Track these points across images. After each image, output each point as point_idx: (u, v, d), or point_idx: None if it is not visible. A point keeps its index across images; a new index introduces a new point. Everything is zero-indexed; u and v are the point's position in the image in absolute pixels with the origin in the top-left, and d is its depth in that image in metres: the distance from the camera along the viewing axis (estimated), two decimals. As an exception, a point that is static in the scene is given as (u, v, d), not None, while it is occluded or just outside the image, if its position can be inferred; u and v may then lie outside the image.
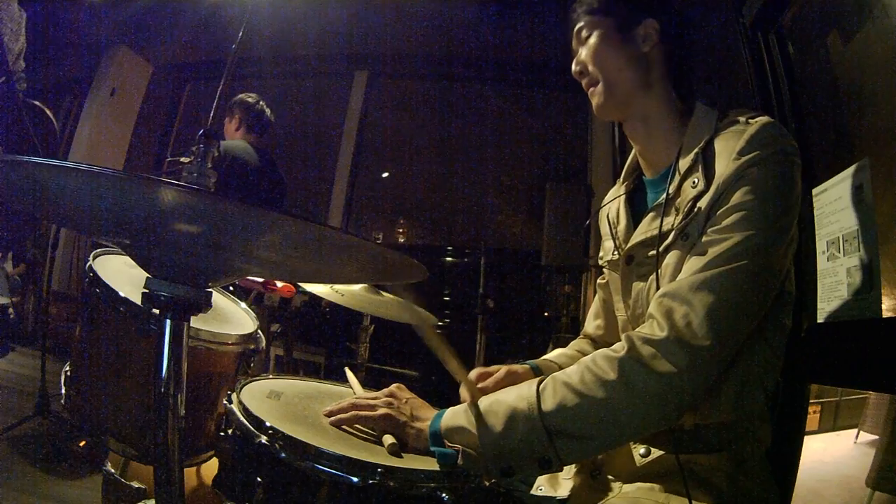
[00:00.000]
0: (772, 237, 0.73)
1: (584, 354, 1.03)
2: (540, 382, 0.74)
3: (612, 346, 0.75)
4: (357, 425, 0.81)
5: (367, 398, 0.83)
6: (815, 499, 1.39)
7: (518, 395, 0.74)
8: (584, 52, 0.91)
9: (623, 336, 0.74)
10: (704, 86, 1.81)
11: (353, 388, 1.02)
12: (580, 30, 0.92)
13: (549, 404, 0.71)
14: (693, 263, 0.74)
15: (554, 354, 1.07)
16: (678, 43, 0.91)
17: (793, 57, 1.49)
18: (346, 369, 1.10)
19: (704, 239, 0.75)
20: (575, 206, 3.15)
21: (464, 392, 0.87)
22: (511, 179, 4.41)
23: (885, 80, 1.13)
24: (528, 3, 3.53)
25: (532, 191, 4.28)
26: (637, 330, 0.75)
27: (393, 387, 0.86)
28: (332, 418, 0.81)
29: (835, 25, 1.30)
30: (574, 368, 0.74)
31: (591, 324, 1.11)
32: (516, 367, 0.97)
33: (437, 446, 0.74)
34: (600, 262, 1.05)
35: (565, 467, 0.92)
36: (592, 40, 0.90)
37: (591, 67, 0.90)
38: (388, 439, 0.76)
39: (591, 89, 0.91)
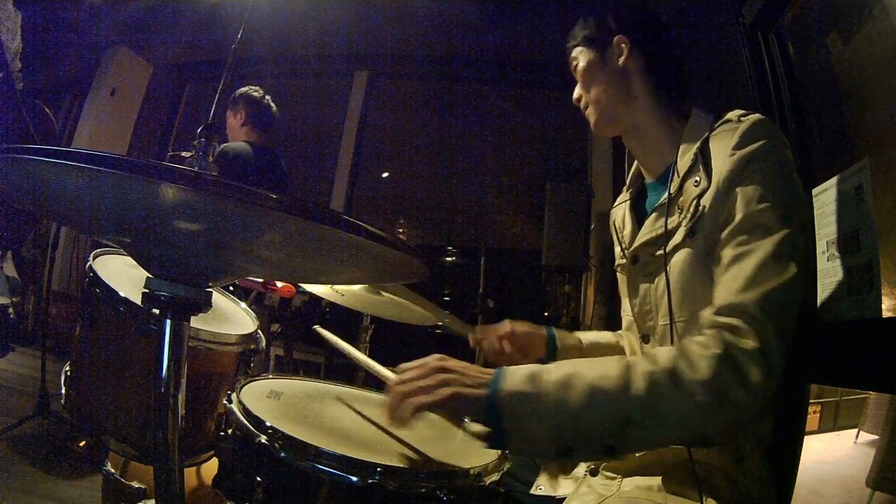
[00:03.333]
0: (796, 229, 0.75)
1: (617, 340, 1.12)
2: (628, 364, 0.68)
3: (699, 341, 0.69)
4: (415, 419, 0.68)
5: (411, 379, 0.70)
6: (815, 499, 1.39)
7: (601, 375, 0.67)
8: (578, 82, 1.01)
9: (711, 335, 0.68)
10: (705, 86, 1.81)
11: (334, 343, 1.04)
12: (572, 61, 1.01)
13: (635, 389, 0.65)
14: (735, 271, 0.72)
15: (582, 332, 1.14)
16: (654, 52, 0.95)
17: (793, 57, 1.49)
18: (316, 328, 1.09)
19: (734, 244, 0.73)
20: (575, 206, 3.15)
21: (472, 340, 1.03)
22: (511, 179, 4.40)
23: (885, 80, 1.13)
24: (528, 3, 3.53)
25: (532, 191, 4.28)
26: (730, 336, 0.68)
27: (434, 357, 0.73)
28: (393, 423, 0.69)
29: (835, 25, 1.30)
30: (666, 355, 0.68)
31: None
32: (524, 327, 1.08)
33: (493, 416, 0.66)
34: (615, 269, 1.07)
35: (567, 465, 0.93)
36: (579, 67, 0.99)
37: (582, 93, 1.00)
38: (472, 426, 0.67)
39: (586, 112, 1.00)
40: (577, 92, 1.01)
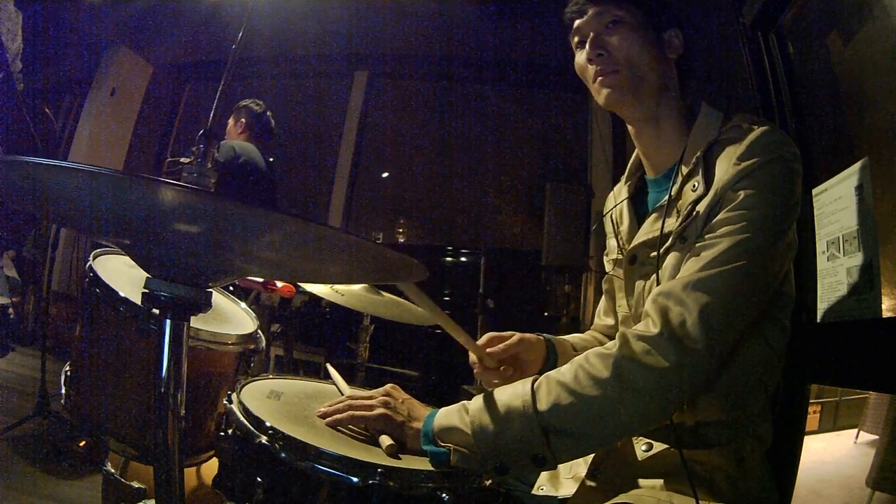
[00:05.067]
0: (769, 240, 0.74)
1: (599, 342, 1.08)
2: (535, 381, 0.75)
3: (605, 345, 0.75)
4: (352, 426, 0.80)
5: (363, 397, 0.83)
6: (815, 499, 1.38)
7: (512, 394, 0.74)
8: (615, 39, 0.87)
9: (618, 334, 0.75)
10: (705, 86, 1.81)
11: (338, 386, 1.03)
12: (603, 13, 0.88)
13: (543, 403, 0.72)
14: (691, 264, 0.75)
15: (569, 335, 1.09)
16: (691, 54, 0.93)
17: (793, 57, 1.49)
18: (328, 366, 1.11)
19: (703, 240, 0.76)
20: (575, 206, 3.16)
21: (472, 357, 0.92)
22: (511, 179, 4.40)
23: (885, 80, 1.13)
24: (528, 3, 3.52)
25: (532, 191, 4.27)
26: (632, 328, 0.75)
27: (388, 387, 0.86)
28: (328, 419, 0.80)
29: (835, 25, 1.30)
30: (567, 367, 0.75)
31: (601, 321, 1.13)
32: (529, 335, 0.97)
33: (431, 446, 0.74)
34: (605, 259, 1.07)
35: (568, 467, 0.93)
36: (626, 30, 0.87)
37: (619, 55, 0.86)
38: (386, 440, 0.76)
39: (608, 77, 0.87)
40: (599, 47, 0.87)
